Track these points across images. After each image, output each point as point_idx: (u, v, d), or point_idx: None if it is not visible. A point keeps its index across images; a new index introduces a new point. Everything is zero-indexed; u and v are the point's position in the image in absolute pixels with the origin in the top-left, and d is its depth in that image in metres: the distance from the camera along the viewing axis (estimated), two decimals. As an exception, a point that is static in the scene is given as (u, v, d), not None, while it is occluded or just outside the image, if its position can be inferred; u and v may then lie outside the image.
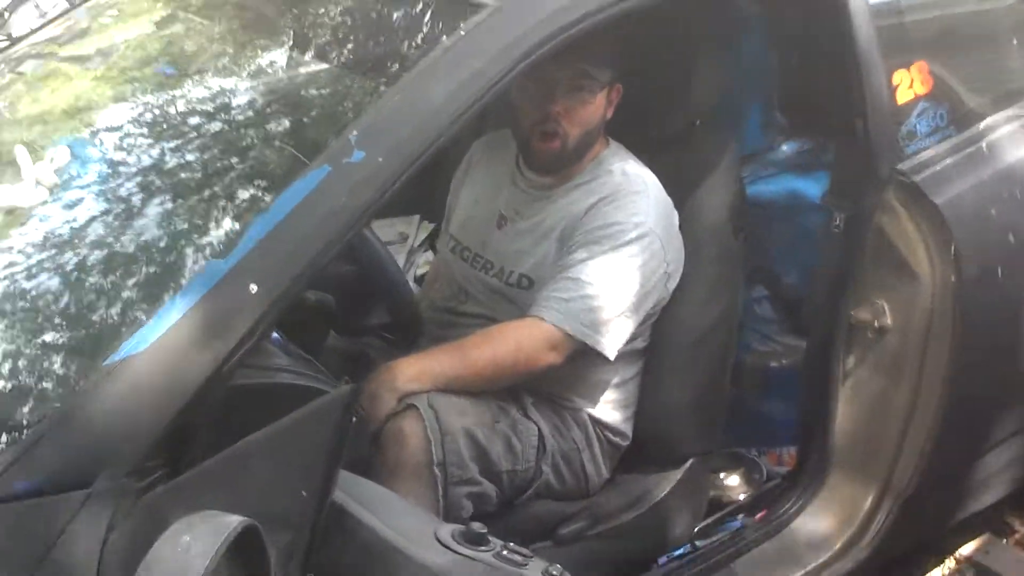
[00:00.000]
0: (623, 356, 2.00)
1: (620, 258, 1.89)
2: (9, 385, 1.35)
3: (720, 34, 2.13)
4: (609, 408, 2.05)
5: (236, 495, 1.20)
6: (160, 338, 1.31)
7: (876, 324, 2.02)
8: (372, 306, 1.90)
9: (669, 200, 1.99)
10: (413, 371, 1.83)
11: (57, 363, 1.37)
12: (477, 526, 1.24)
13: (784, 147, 2.52)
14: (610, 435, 2.05)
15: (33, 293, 1.49)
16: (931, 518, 2.21)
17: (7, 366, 1.38)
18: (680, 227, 2.04)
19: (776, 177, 2.48)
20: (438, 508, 1.77)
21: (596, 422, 2.03)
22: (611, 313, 1.89)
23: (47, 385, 1.36)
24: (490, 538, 1.24)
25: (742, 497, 2.33)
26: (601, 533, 2.04)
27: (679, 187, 2.06)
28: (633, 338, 1.99)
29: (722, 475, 2.37)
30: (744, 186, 2.14)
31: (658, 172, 2.04)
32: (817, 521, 2.10)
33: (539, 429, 1.94)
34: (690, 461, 2.13)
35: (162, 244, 1.49)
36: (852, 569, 2.06)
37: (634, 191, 1.95)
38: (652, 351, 2.07)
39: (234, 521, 1.09)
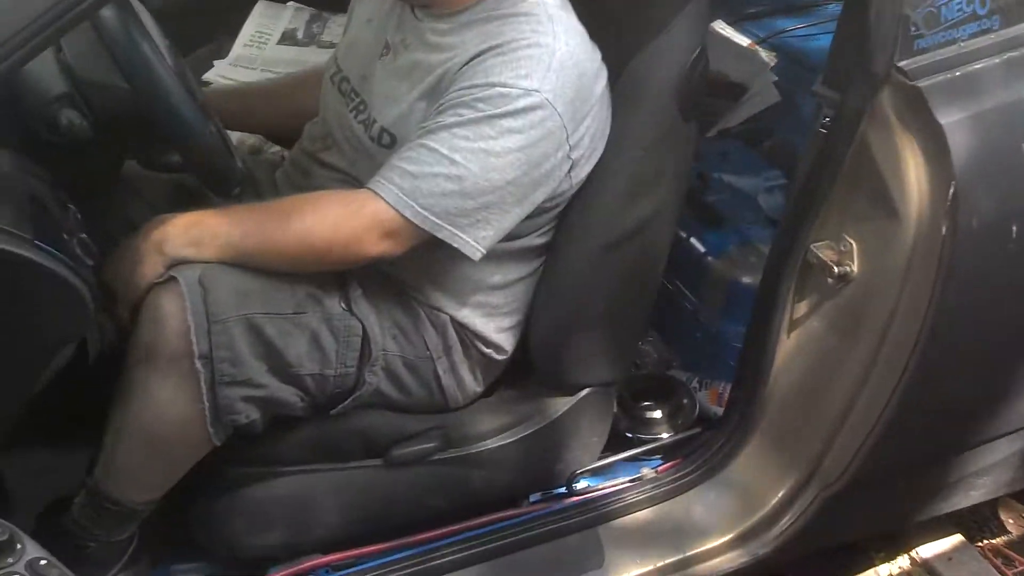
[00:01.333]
0: (504, 255, 1.57)
1: (496, 131, 1.42)
2: None
3: None
4: (480, 313, 1.62)
5: None
6: None
7: (836, 269, 1.53)
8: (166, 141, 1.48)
9: (586, 63, 1.49)
10: (193, 233, 1.43)
11: None
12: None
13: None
14: (480, 345, 1.64)
15: None
16: (869, 518, 1.75)
17: None
18: (615, 96, 1.56)
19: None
20: (203, 410, 1.42)
21: (460, 326, 1.62)
22: (474, 201, 1.43)
23: None
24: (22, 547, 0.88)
25: (660, 438, 1.91)
26: (453, 458, 1.66)
27: (619, 36, 1.56)
28: (515, 235, 1.55)
29: (644, 403, 1.94)
30: (707, 52, 1.61)
31: (599, 15, 1.55)
32: (718, 496, 1.68)
33: (363, 328, 1.54)
34: (587, 390, 1.72)
35: None
36: (745, 565, 1.64)
37: (533, 43, 1.44)
38: (553, 250, 1.63)
39: None
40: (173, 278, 1.40)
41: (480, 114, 1.42)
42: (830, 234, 1.55)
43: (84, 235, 1.31)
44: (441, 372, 1.63)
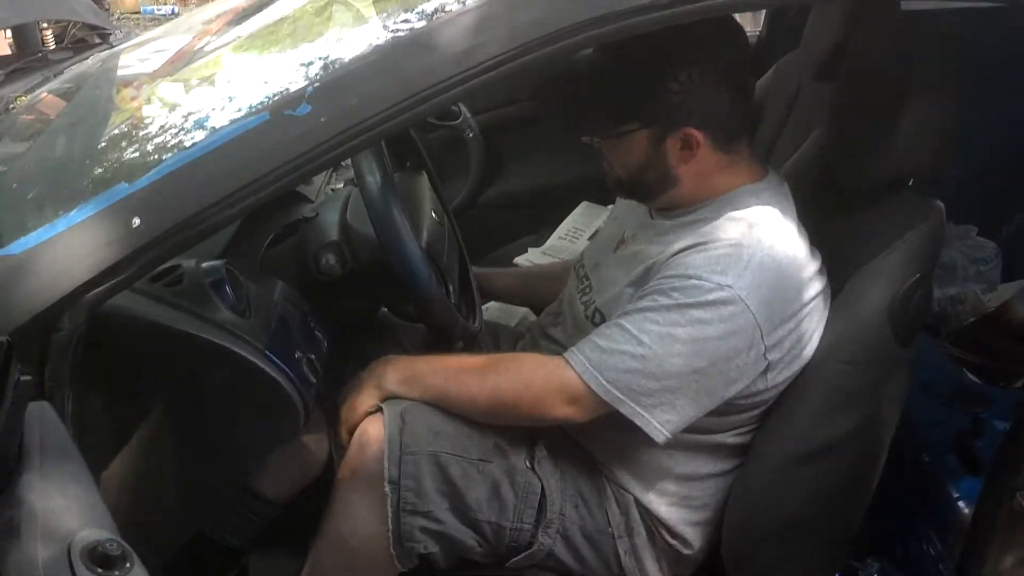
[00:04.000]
0: (696, 447, 1.63)
1: (685, 319, 1.50)
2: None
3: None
4: (667, 501, 1.66)
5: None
6: (35, 246, 1.28)
7: (1041, 523, 1.41)
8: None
9: (792, 267, 1.54)
10: (406, 373, 1.63)
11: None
12: (115, 547, 1.03)
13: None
14: (665, 534, 1.67)
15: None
16: None
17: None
18: (832, 309, 1.59)
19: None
20: (388, 531, 1.57)
21: (645, 511, 1.67)
22: (657, 383, 1.51)
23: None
24: (130, 566, 1.04)
25: None
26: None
27: (843, 256, 1.60)
28: (709, 430, 1.60)
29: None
30: (931, 278, 1.59)
31: (832, 234, 1.62)
32: None
33: (543, 488, 1.63)
34: (779, 600, 1.67)
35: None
36: None
37: (735, 243, 1.52)
38: (750, 453, 1.65)
39: None
40: (381, 409, 1.60)
41: (672, 302, 1.51)
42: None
43: (313, 357, 1.55)
44: (622, 552, 1.67)
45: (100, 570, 0.98)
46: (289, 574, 1.72)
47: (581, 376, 1.53)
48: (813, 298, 1.56)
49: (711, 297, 1.49)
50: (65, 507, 0.99)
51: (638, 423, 1.53)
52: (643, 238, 1.69)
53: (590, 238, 2.59)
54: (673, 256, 1.56)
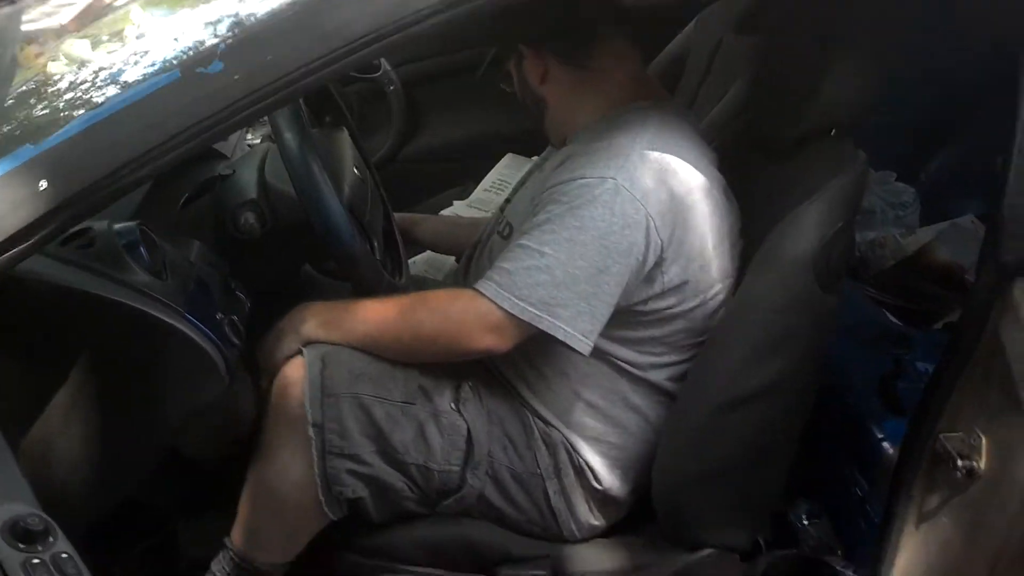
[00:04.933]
0: (615, 379, 1.64)
1: (579, 221, 1.51)
2: None
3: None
4: (591, 441, 1.67)
5: None
6: None
7: (960, 462, 1.44)
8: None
9: (677, 166, 1.56)
10: (324, 317, 1.61)
11: None
12: (36, 521, 0.99)
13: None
14: (591, 477, 1.68)
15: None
16: None
17: None
18: (756, 258, 1.61)
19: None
20: (314, 475, 1.56)
21: (572, 450, 1.67)
22: (569, 291, 1.51)
23: None
24: (54, 540, 1.00)
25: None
26: (560, 596, 1.68)
27: (768, 206, 1.61)
28: (628, 360, 1.63)
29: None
30: (853, 225, 1.61)
31: (756, 184, 1.64)
32: None
33: (468, 429, 1.63)
34: (708, 550, 1.70)
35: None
36: None
37: (612, 139, 1.56)
38: (676, 402, 1.66)
39: None
40: (301, 353, 1.57)
41: (564, 207, 1.52)
42: (963, 425, 1.47)
43: (236, 317, 1.52)
44: (551, 493, 1.68)
45: (22, 545, 0.97)
46: (219, 534, 1.69)
47: (494, 300, 1.52)
48: (698, 201, 1.58)
49: (597, 192, 1.51)
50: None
51: (560, 337, 1.52)
52: (542, 167, 1.75)
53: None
54: (558, 167, 1.60)
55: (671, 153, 1.57)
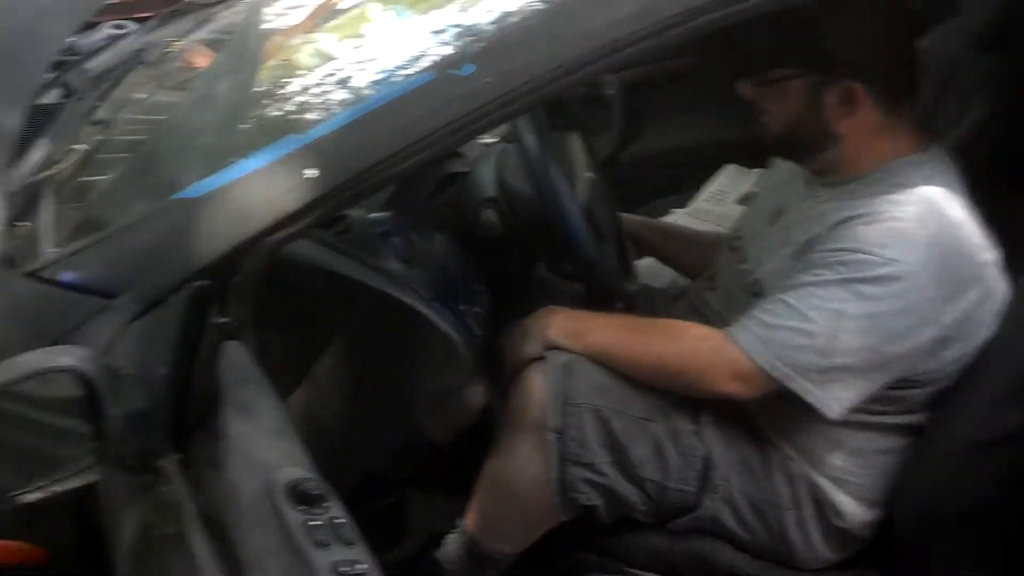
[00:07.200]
0: (865, 424, 1.60)
1: (852, 295, 1.47)
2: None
3: None
4: (834, 477, 1.64)
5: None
6: (214, 191, 1.33)
7: None
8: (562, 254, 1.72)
9: (961, 246, 1.50)
10: (570, 326, 1.64)
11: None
12: (314, 485, 1.03)
13: None
14: (832, 511, 1.65)
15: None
16: None
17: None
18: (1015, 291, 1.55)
19: None
20: (551, 478, 1.60)
21: (812, 485, 1.65)
22: (827, 360, 1.49)
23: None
24: (328, 506, 1.03)
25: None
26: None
27: (1021, 237, 1.54)
28: (881, 410, 1.58)
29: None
30: None
31: (1007, 214, 1.56)
32: None
33: (708, 455, 1.63)
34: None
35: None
36: None
37: (900, 216, 1.48)
38: (924, 436, 1.61)
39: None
40: (545, 358, 1.62)
41: (838, 276, 1.48)
42: None
43: (479, 310, 1.59)
44: (788, 523, 1.65)
45: (302, 507, 1.01)
46: (446, 512, 1.77)
47: (747, 352, 1.52)
48: (987, 276, 1.52)
49: (879, 272, 1.46)
50: (264, 443, 1.03)
51: (809, 400, 1.51)
52: (802, 208, 1.66)
53: (736, 202, 2.57)
54: (836, 227, 1.53)
55: (958, 227, 1.51)
